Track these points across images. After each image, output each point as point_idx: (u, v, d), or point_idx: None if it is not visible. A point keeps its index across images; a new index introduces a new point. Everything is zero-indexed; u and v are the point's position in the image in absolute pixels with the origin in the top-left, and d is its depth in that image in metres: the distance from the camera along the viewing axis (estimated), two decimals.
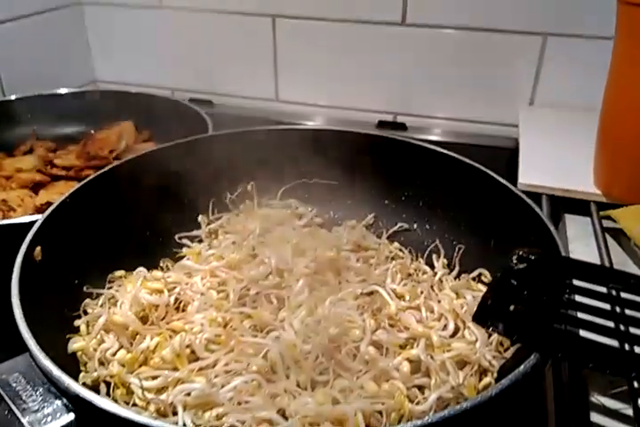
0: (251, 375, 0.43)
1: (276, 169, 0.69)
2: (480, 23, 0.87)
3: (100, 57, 1.12)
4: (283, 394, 0.43)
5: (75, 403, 0.35)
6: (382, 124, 0.97)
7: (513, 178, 0.66)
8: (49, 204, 0.64)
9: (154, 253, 0.59)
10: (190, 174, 0.64)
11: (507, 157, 0.86)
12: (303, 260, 0.55)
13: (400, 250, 0.62)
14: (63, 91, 0.92)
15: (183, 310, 0.51)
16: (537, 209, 0.52)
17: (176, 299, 0.51)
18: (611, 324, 0.40)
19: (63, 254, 0.50)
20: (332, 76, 0.98)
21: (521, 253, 0.44)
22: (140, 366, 0.45)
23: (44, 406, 0.35)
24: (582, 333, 0.39)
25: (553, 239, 0.48)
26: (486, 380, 0.44)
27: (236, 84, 1.04)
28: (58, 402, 0.35)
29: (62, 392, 0.35)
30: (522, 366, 0.35)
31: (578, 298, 0.42)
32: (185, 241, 0.63)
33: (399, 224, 0.66)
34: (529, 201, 0.54)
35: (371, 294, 0.52)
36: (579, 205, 0.66)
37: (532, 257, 0.44)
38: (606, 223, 0.62)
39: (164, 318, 0.49)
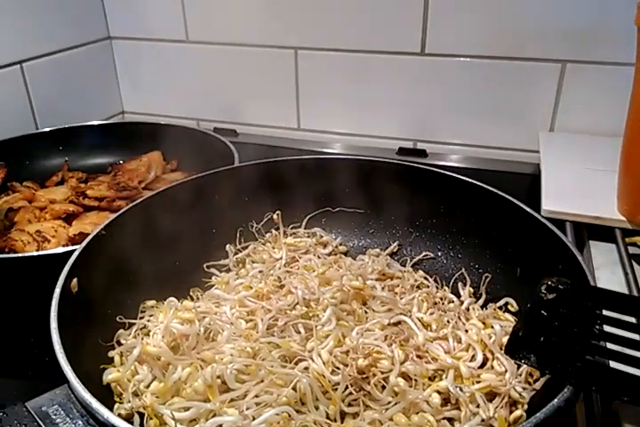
0: (281, 407, 0.43)
1: (301, 198, 0.70)
2: (498, 51, 0.88)
3: (128, 89, 1.16)
4: (312, 426, 0.43)
5: None
6: (403, 151, 0.98)
7: (535, 204, 0.67)
8: (82, 234, 0.66)
9: (183, 282, 0.61)
10: (218, 204, 0.66)
11: (528, 183, 0.86)
12: (329, 289, 0.56)
13: (425, 278, 0.62)
14: (94, 123, 0.95)
15: (213, 340, 0.52)
16: (563, 237, 0.52)
17: (206, 328, 0.52)
18: None
19: (97, 285, 0.52)
20: (353, 104, 1.00)
21: (550, 283, 0.44)
22: (173, 396, 0.46)
23: None
24: (614, 364, 0.39)
25: (581, 268, 0.48)
26: (517, 412, 0.44)
27: (260, 113, 1.07)
28: None
29: (101, 424, 0.36)
30: (556, 400, 0.35)
31: (608, 328, 0.42)
32: (213, 270, 0.64)
33: (424, 253, 0.66)
34: (555, 229, 0.54)
35: (397, 323, 0.53)
36: (603, 232, 0.66)
37: (562, 287, 0.44)
38: (632, 250, 0.62)
39: (194, 348, 0.50)
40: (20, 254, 0.60)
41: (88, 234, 0.55)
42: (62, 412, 0.37)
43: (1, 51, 0.91)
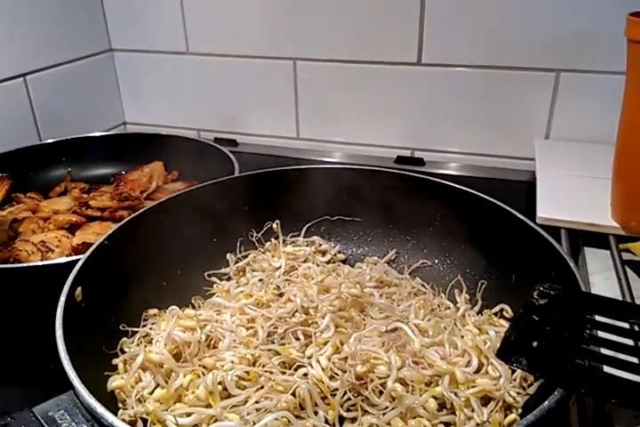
0: (280, 413, 0.44)
1: (300, 207, 0.71)
2: (494, 61, 0.90)
3: (129, 100, 1.18)
4: None
5: None
6: (401, 160, 1.00)
7: (530, 211, 0.68)
8: (85, 244, 0.67)
9: (184, 290, 0.62)
10: (219, 213, 0.67)
11: (524, 190, 0.88)
12: (328, 297, 0.57)
13: (422, 285, 0.63)
14: (96, 134, 0.97)
15: (214, 347, 0.53)
16: (556, 245, 0.54)
17: (207, 336, 0.53)
18: (633, 359, 0.41)
19: (100, 294, 0.53)
20: (351, 114, 1.02)
21: (542, 288, 0.45)
22: (175, 402, 0.47)
23: None
24: (605, 368, 0.40)
25: (573, 275, 0.49)
26: (511, 416, 0.45)
27: (260, 123, 1.09)
28: None
29: None
30: (546, 402, 0.36)
31: (600, 333, 0.43)
32: (214, 279, 0.65)
33: (421, 261, 0.67)
34: (548, 237, 0.55)
35: (395, 330, 0.54)
36: (598, 238, 0.67)
37: (553, 293, 0.45)
38: (626, 256, 0.63)
39: (196, 355, 0.51)
40: (24, 264, 0.61)
41: (91, 244, 0.56)
42: (68, 417, 0.38)
43: (5, 64, 0.93)
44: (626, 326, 0.43)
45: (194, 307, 0.60)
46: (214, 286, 0.64)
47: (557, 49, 0.86)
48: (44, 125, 1.01)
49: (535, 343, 0.41)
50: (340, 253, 0.71)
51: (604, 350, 0.41)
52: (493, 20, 0.87)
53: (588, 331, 0.42)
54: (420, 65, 0.94)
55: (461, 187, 0.66)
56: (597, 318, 0.43)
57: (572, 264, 0.50)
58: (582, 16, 0.83)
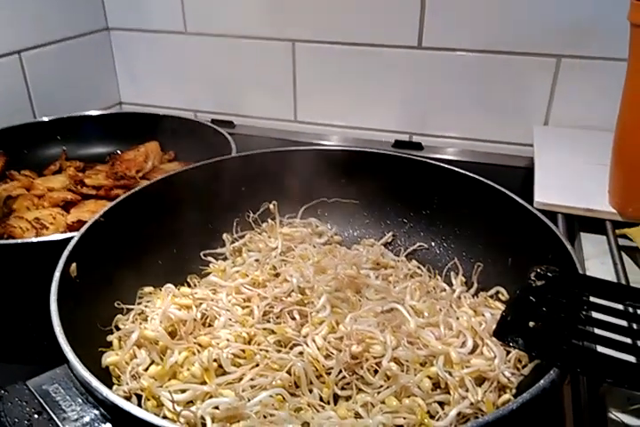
0: (275, 390, 0.45)
1: (297, 188, 0.71)
2: (494, 46, 0.89)
3: (125, 80, 1.16)
4: (306, 408, 0.44)
5: (112, 413, 0.37)
6: (399, 144, 0.99)
7: (528, 196, 0.68)
8: (80, 222, 0.67)
9: (180, 269, 0.62)
10: (215, 194, 0.67)
11: (521, 176, 0.87)
12: (324, 278, 0.57)
13: (418, 268, 0.63)
14: (92, 113, 0.96)
15: (209, 325, 0.53)
16: (554, 228, 0.54)
17: (202, 314, 0.53)
18: (628, 340, 0.41)
19: (95, 271, 0.52)
20: (350, 97, 1.01)
21: (539, 270, 0.45)
22: (170, 379, 0.47)
23: (82, 416, 0.37)
24: (600, 349, 0.40)
25: (570, 257, 0.49)
26: (505, 396, 0.45)
27: (257, 105, 1.08)
28: (95, 412, 0.37)
29: (100, 402, 0.37)
30: (542, 381, 0.36)
31: (595, 315, 0.43)
32: (210, 258, 0.65)
33: (417, 243, 0.67)
34: (546, 220, 0.55)
35: (390, 310, 0.54)
36: (594, 224, 0.67)
37: (550, 275, 0.45)
38: (622, 242, 0.63)
39: (191, 333, 0.51)
40: (19, 240, 0.61)
41: (86, 222, 0.55)
42: (62, 390, 0.38)
43: None
44: (621, 307, 0.43)
45: (189, 286, 0.59)
46: (210, 265, 0.64)
47: (558, 34, 0.85)
48: (38, 103, 1.00)
49: (532, 324, 0.41)
50: (336, 235, 0.71)
51: (599, 331, 0.41)
52: (495, 5, 0.86)
53: (584, 312, 0.42)
54: (420, 48, 0.93)
55: (459, 170, 0.65)
56: (593, 299, 0.44)
57: (569, 247, 0.50)
58: (584, 1, 0.82)
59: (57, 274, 0.47)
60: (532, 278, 0.44)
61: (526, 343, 0.39)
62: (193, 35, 1.05)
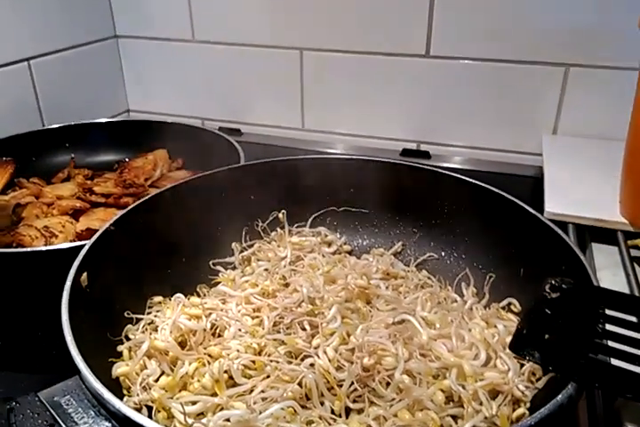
0: (287, 402, 0.44)
1: (306, 197, 0.71)
2: (503, 54, 0.89)
3: (133, 88, 1.17)
4: (318, 421, 0.44)
5: (124, 425, 0.36)
6: (406, 153, 0.99)
7: (538, 206, 0.67)
8: (89, 230, 0.67)
9: (189, 279, 0.61)
10: (224, 202, 0.67)
11: (530, 186, 0.87)
12: (334, 288, 0.56)
13: (429, 278, 0.63)
14: (101, 120, 0.96)
15: (219, 336, 0.52)
16: (567, 238, 0.53)
17: (212, 324, 0.53)
18: None
19: (106, 280, 0.52)
20: (357, 105, 1.01)
21: (554, 282, 0.45)
22: (180, 390, 0.47)
23: None
24: (616, 362, 0.39)
25: (584, 268, 0.49)
26: (520, 410, 0.44)
27: (264, 113, 1.08)
28: (107, 424, 0.37)
29: (112, 414, 0.37)
30: (559, 396, 0.36)
31: (611, 328, 0.42)
32: (219, 268, 0.65)
33: (428, 253, 0.67)
34: (558, 230, 0.54)
35: (402, 322, 0.53)
36: (605, 234, 0.66)
37: (565, 286, 0.44)
38: (634, 252, 0.62)
39: (201, 344, 0.51)
40: (28, 249, 0.61)
41: (96, 230, 0.55)
42: (74, 402, 0.38)
43: (9, 48, 0.92)
44: (636, 320, 0.43)
45: (199, 295, 0.59)
46: (219, 274, 0.63)
47: (567, 43, 0.85)
48: (47, 111, 1.00)
49: (547, 336, 0.40)
50: (345, 244, 0.70)
51: (616, 345, 0.40)
52: (503, 14, 0.86)
53: (600, 325, 0.41)
54: (428, 57, 0.93)
55: (469, 179, 0.65)
56: (610, 312, 0.43)
57: (582, 258, 0.50)
58: (593, 10, 0.82)
59: (68, 283, 0.47)
60: (547, 290, 0.44)
61: (543, 357, 0.39)
62: (201, 43, 1.06)
